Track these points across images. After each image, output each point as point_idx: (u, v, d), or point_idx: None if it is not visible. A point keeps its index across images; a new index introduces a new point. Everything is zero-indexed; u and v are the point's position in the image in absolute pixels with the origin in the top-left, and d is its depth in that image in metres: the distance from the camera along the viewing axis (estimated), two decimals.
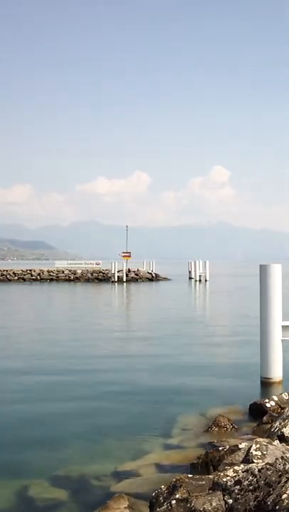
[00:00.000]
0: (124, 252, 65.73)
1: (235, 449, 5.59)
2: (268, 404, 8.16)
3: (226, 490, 4.32)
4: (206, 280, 58.89)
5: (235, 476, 4.40)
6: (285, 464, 4.45)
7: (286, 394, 8.47)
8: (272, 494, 3.93)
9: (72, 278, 63.19)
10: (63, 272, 65.27)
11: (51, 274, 64.50)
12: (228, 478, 4.41)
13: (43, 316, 26.18)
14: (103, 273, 64.43)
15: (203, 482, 4.75)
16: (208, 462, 6.02)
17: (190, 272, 67.20)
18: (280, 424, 6.44)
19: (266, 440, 5.48)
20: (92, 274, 64.26)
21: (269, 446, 5.18)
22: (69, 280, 62.47)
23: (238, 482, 4.32)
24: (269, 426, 6.98)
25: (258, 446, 5.15)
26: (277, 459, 4.63)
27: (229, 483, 4.35)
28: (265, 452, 5.04)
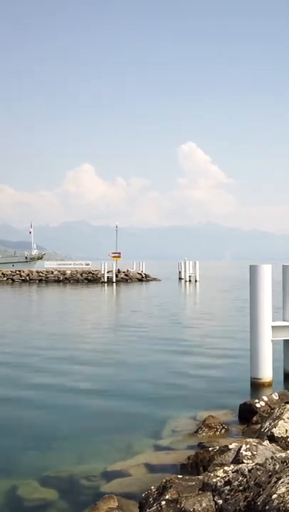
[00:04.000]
0: (114, 253, 65.55)
1: (225, 449, 5.60)
2: (257, 405, 8.17)
3: (215, 490, 4.31)
4: (196, 281, 58.91)
5: (225, 477, 4.39)
6: (274, 464, 4.46)
7: (276, 394, 8.49)
8: (262, 494, 3.93)
9: (62, 279, 62.93)
10: (52, 272, 64.99)
11: (40, 275, 64.19)
12: (218, 478, 4.41)
13: (31, 321, 26.08)
14: (93, 274, 64.22)
15: (193, 483, 4.74)
16: (198, 463, 6.02)
17: (180, 273, 67.19)
18: (269, 424, 6.45)
19: (256, 440, 5.49)
20: (81, 274, 64.06)
21: (259, 446, 5.19)
22: (58, 281, 62.18)
23: (228, 482, 4.31)
24: (259, 426, 7.00)
25: (247, 446, 5.15)
26: (267, 459, 4.63)
27: (219, 483, 4.35)
28: (255, 452, 5.05)
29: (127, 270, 63.94)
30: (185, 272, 62.51)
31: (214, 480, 4.40)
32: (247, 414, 8.21)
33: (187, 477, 4.95)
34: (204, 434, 7.62)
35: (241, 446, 5.19)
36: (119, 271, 62.41)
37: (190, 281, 59.60)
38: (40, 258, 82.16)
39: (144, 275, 63.62)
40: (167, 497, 4.48)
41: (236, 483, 4.26)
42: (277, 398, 8.34)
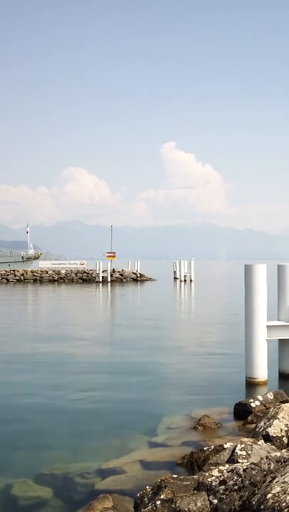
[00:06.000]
0: (108, 252, 65.42)
1: (220, 449, 5.60)
2: (252, 404, 8.18)
3: (210, 490, 4.30)
4: (191, 280, 58.84)
5: (220, 476, 4.39)
6: (269, 464, 4.45)
7: (271, 394, 8.50)
8: (257, 494, 3.92)
9: (56, 278, 62.79)
10: (47, 272, 64.82)
11: (35, 274, 64.04)
12: (213, 478, 4.40)
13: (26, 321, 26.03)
14: (88, 273, 64.10)
15: (188, 482, 4.74)
16: (193, 462, 6.02)
17: (175, 272, 67.08)
18: (264, 424, 6.46)
19: (251, 440, 5.49)
20: (76, 274, 63.93)
21: (254, 446, 5.19)
22: (53, 281, 62.03)
23: (223, 482, 4.31)
24: (254, 426, 7.00)
25: (242, 446, 5.15)
26: (262, 458, 4.63)
27: (214, 483, 4.34)
28: (250, 452, 5.04)
29: (122, 270, 63.83)
30: (180, 271, 62.43)
31: (209, 479, 4.40)
32: (242, 414, 8.22)
33: (182, 477, 4.95)
34: (199, 433, 7.62)
35: (236, 446, 5.19)
36: (114, 270, 62.31)
37: (185, 280, 59.56)
38: (36, 258, 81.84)
39: (138, 275, 63.51)
40: (162, 497, 4.48)
41: (231, 482, 4.26)
42: (272, 397, 8.35)
